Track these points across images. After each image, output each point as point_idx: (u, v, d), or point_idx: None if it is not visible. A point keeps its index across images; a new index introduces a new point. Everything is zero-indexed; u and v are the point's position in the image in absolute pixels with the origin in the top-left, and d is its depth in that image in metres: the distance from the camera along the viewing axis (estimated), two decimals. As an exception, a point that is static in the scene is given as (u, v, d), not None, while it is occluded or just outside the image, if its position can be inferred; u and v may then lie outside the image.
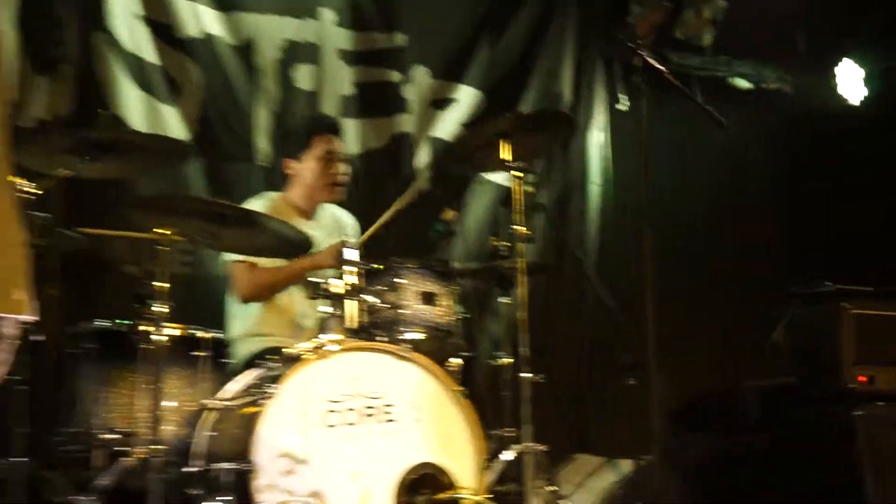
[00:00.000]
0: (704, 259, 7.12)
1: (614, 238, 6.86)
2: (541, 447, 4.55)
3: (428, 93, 6.64)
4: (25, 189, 4.40)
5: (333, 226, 5.44)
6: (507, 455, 4.60)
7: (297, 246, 4.85)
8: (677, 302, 6.25)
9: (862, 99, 7.49)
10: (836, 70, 7.47)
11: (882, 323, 5.69)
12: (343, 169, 5.50)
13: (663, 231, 5.01)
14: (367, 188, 6.05)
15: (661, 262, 4.79)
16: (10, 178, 2.43)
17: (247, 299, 5.26)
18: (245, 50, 6.20)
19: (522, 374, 4.61)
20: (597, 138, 7.05)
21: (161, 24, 5.98)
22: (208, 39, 6.09)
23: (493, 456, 4.58)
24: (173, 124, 5.98)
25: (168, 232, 4.43)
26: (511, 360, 4.88)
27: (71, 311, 4.95)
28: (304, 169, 5.40)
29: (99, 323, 4.80)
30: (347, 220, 5.54)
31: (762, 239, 7.40)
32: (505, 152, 4.77)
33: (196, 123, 6.04)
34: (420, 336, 4.50)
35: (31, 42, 5.72)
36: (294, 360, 4.22)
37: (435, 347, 4.53)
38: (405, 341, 4.43)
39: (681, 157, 6.98)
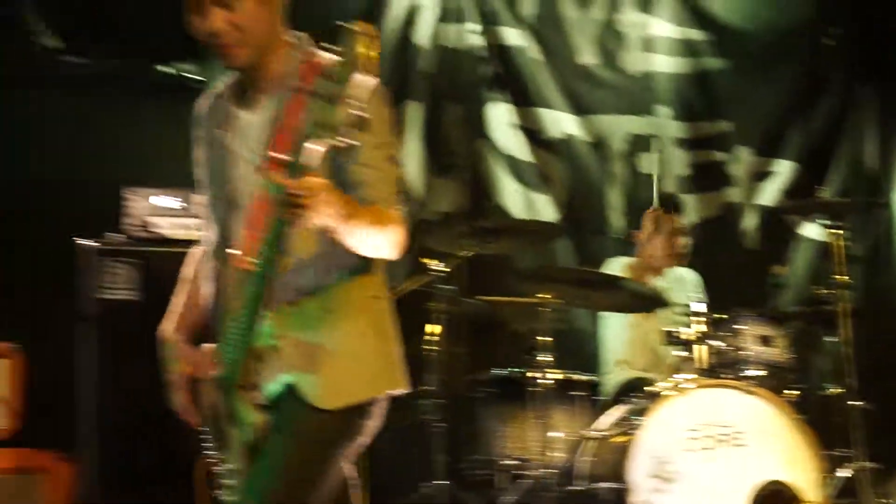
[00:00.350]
0: None
1: None
2: (873, 465, 4.53)
3: (750, 168, 6.49)
4: (437, 268, 4.75)
5: (679, 283, 5.35)
6: (844, 473, 4.53)
7: (653, 301, 4.91)
8: None
9: None
10: None
11: None
12: (683, 241, 5.45)
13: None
14: (705, 251, 5.81)
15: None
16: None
17: None
18: (597, 145, 6.31)
19: (852, 402, 4.59)
20: None
21: (530, 129, 6.21)
22: (568, 139, 6.26)
23: (830, 474, 4.47)
24: (544, 209, 6.18)
25: (547, 296, 4.59)
26: (841, 391, 4.71)
27: (475, 363, 5.13)
28: (651, 240, 5.40)
29: (496, 371, 4.95)
30: (691, 277, 5.42)
31: None
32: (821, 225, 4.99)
33: (562, 207, 6.19)
34: (761, 373, 4.51)
35: (432, 152, 6.16)
36: (656, 396, 4.29)
37: (774, 382, 4.49)
38: (748, 378, 4.44)
39: None
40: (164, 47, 5.74)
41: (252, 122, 2.64)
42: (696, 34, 6.49)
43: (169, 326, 2.74)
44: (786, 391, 4.52)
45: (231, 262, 2.56)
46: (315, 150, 2.23)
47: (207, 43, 2.58)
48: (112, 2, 5.76)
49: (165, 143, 4.65)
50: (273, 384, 2.50)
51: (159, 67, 5.83)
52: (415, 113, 6.10)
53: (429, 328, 4.75)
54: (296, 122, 2.39)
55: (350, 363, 2.51)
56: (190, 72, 5.82)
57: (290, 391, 2.49)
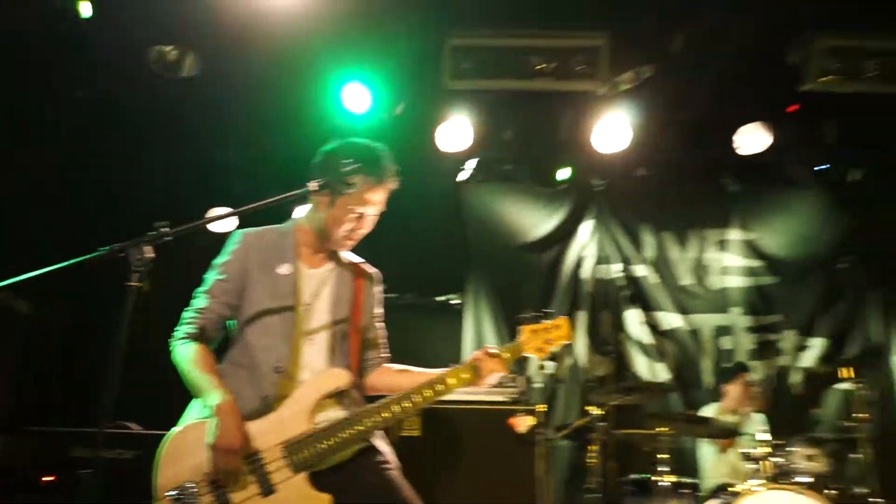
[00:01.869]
0: None
1: None
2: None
3: (795, 342, 6.27)
4: (596, 412, 4.46)
5: (751, 421, 5.15)
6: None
7: (731, 433, 4.77)
8: None
9: None
10: None
11: None
12: (753, 393, 5.28)
13: None
14: (768, 394, 5.69)
15: None
16: None
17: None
18: (694, 332, 6.20)
19: (874, 499, 4.31)
20: None
21: (652, 324, 6.15)
22: (676, 329, 6.20)
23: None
24: (662, 374, 6.07)
25: (665, 429, 4.49)
26: (866, 490, 4.36)
27: (620, 471, 4.63)
28: (732, 392, 5.33)
29: (634, 476, 4.57)
30: (759, 417, 5.26)
31: None
32: (846, 373, 4.76)
33: (674, 371, 6.09)
34: (808, 480, 4.33)
35: (593, 340, 5.92)
36: (737, 495, 4.12)
37: (818, 486, 4.28)
38: (800, 483, 4.27)
39: None
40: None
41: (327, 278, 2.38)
42: (755, 262, 6.40)
43: (232, 405, 2.20)
44: (825, 491, 4.28)
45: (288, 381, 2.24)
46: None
47: (346, 238, 2.34)
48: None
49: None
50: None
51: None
52: (582, 318, 6.14)
53: (590, 448, 4.59)
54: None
55: None
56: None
57: None
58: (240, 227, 2.47)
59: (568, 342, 2.39)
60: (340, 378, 2.26)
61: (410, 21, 4.49)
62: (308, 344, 2.32)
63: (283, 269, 2.35)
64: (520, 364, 5.77)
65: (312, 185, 2.33)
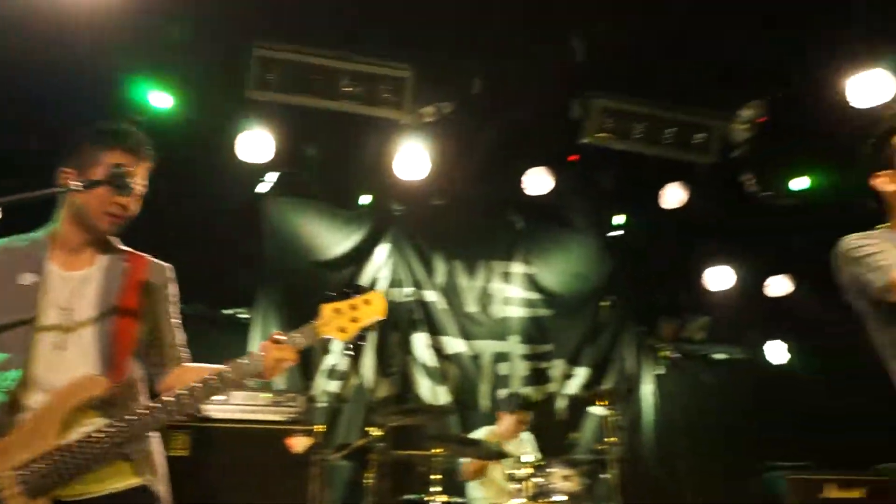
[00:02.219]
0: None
1: (659, 442, 6.52)
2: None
3: (562, 371, 6.54)
4: (376, 432, 4.40)
5: (520, 442, 5.26)
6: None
7: (500, 454, 4.80)
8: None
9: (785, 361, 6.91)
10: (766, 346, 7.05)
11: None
12: (524, 417, 5.26)
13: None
14: (537, 418, 5.62)
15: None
16: None
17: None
18: (476, 357, 6.31)
19: None
20: (649, 388, 6.75)
21: (437, 348, 6.19)
22: (459, 354, 6.29)
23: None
24: (443, 396, 6.09)
25: (440, 450, 4.46)
26: None
27: (395, 490, 4.60)
28: (506, 421, 5.27)
29: (407, 497, 4.50)
30: (528, 437, 5.34)
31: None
32: (600, 402, 4.96)
33: (454, 394, 6.13)
34: (564, 498, 4.43)
35: (380, 361, 5.87)
36: None
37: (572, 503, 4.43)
38: (556, 501, 4.40)
39: (689, 396, 6.74)
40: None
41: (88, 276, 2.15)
42: (534, 295, 6.69)
43: None
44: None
45: None
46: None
47: (106, 213, 2.11)
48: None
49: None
50: None
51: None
52: (372, 339, 6.11)
53: (368, 469, 4.49)
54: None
55: None
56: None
57: None
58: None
59: (381, 318, 2.12)
60: (94, 384, 2.00)
61: (217, 27, 4.36)
62: (58, 353, 2.06)
63: (27, 279, 2.12)
64: (306, 372, 5.66)
65: (62, 172, 2.16)
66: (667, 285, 6.76)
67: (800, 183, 5.94)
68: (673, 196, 6.13)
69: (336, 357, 5.96)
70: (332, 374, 5.92)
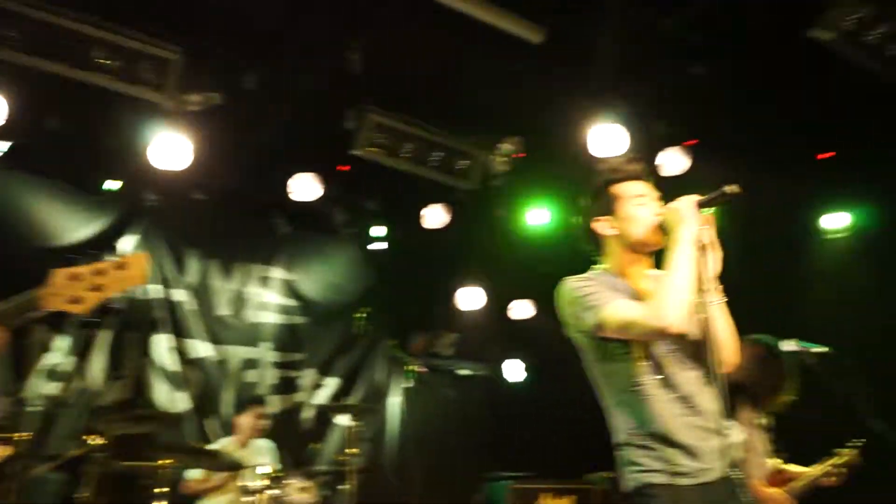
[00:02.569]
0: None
1: (400, 453, 6.59)
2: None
3: (312, 380, 6.53)
4: (97, 441, 4.02)
5: (259, 451, 5.16)
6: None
7: (235, 465, 4.61)
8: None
9: (522, 379, 7.28)
10: (504, 365, 7.30)
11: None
12: (264, 424, 5.28)
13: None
14: (282, 428, 5.79)
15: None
16: None
17: None
18: (222, 362, 6.11)
19: None
20: (396, 400, 6.83)
21: (180, 350, 5.92)
22: (204, 358, 6.05)
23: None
24: (182, 403, 5.81)
25: (168, 461, 4.30)
26: None
27: None
28: (244, 424, 5.23)
29: None
30: (269, 446, 5.27)
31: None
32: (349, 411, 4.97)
33: (195, 401, 5.88)
34: None
35: (113, 362, 5.50)
36: None
37: None
38: None
39: (433, 409, 6.88)
40: None
41: None
42: (291, 302, 6.58)
43: None
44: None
45: None
46: None
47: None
48: None
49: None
50: None
51: None
52: (105, 337, 5.64)
53: (84, 482, 4.12)
54: None
55: None
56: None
57: None
58: None
59: (141, 284, 1.85)
60: None
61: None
62: None
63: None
64: (18, 370, 5.02)
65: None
66: (421, 301, 6.85)
67: (540, 216, 6.27)
68: (434, 217, 6.24)
69: (59, 356, 5.42)
70: (53, 374, 5.38)
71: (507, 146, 5.75)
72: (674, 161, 5.53)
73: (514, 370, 7.42)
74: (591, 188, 2.39)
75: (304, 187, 5.81)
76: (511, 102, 4.99)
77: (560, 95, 4.90)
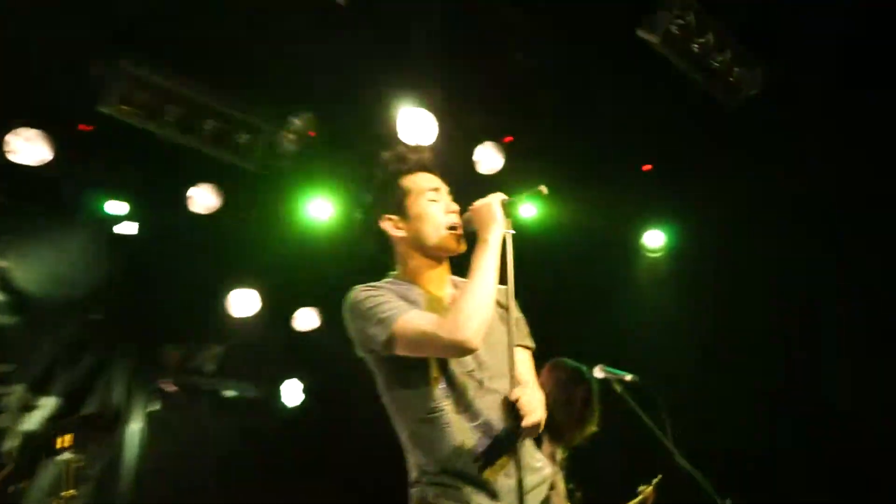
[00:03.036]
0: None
1: (140, 493, 6.37)
2: None
3: (22, 400, 6.03)
4: None
5: None
6: None
7: None
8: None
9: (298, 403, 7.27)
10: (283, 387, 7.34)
11: None
12: None
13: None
14: None
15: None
16: None
17: None
18: None
19: None
20: (137, 427, 6.58)
21: None
22: None
23: None
24: None
25: None
26: None
27: None
28: None
29: None
30: None
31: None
32: (63, 442, 4.91)
33: None
34: None
35: None
36: None
37: None
38: None
39: (189, 438, 6.72)
40: None
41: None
42: None
43: None
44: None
45: None
46: None
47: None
48: None
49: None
50: None
51: None
52: None
53: None
54: None
55: None
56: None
57: None
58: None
59: None
60: None
61: None
62: None
63: None
64: None
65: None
66: (178, 303, 6.58)
67: (324, 209, 6.30)
68: (203, 199, 6.04)
69: None
70: None
71: (299, 122, 5.73)
72: (487, 158, 5.82)
73: (292, 392, 7.39)
74: (376, 180, 2.49)
75: (28, 149, 5.32)
76: (308, 72, 4.98)
77: (366, 71, 4.96)
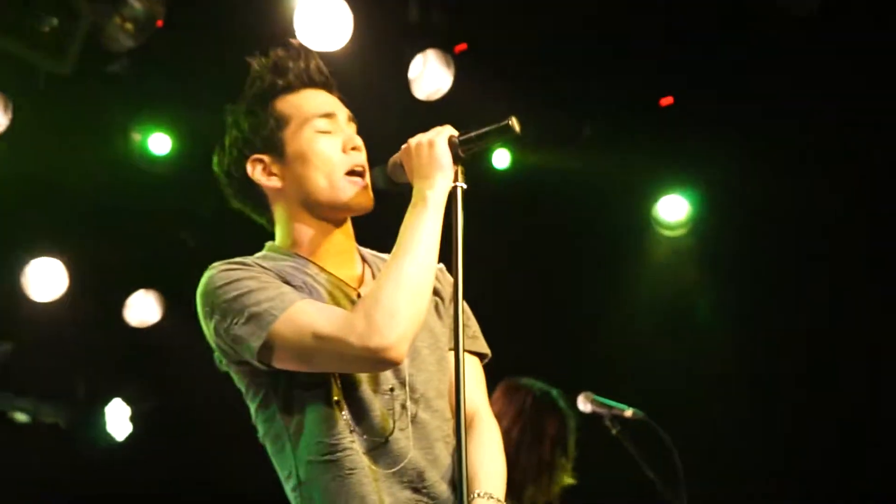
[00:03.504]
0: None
1: None
2: None
3: None
4: None
5: None
6: None
7: None
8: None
9: (127, 435, 7.42)
10: (107, 409, 7.32)
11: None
12: None
13: None
14: None
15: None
16: None
17: None
18: None
19: None
20: None
21: None
22: None
23: None
24: None
25: None
26: None
27: None
28: None
29: None
30: None
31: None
32: None
33: None
34: None
35: None
36: None
37: None
38: None
39: None
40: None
41: None
42: None
43: None
44: None
45: None
46: None
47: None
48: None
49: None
50: None
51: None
52: None
53: None
54: None
55: None
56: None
57: None
58: None
59: None
60: None
61: None
62: None
63: None
64: None
65: None
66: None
67: (161, 143, 6.27)
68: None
69: None
70: None
71: (140, 5, 5.65)
72: (429, 74, 5.79)
73: (118, 419, 7.27)
74: (241, 102, 2.50)
75: None
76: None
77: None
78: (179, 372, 6.78)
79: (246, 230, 2.61)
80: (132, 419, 7.45)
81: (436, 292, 2.43)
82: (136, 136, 6.32)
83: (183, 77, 6.01)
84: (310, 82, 2.50)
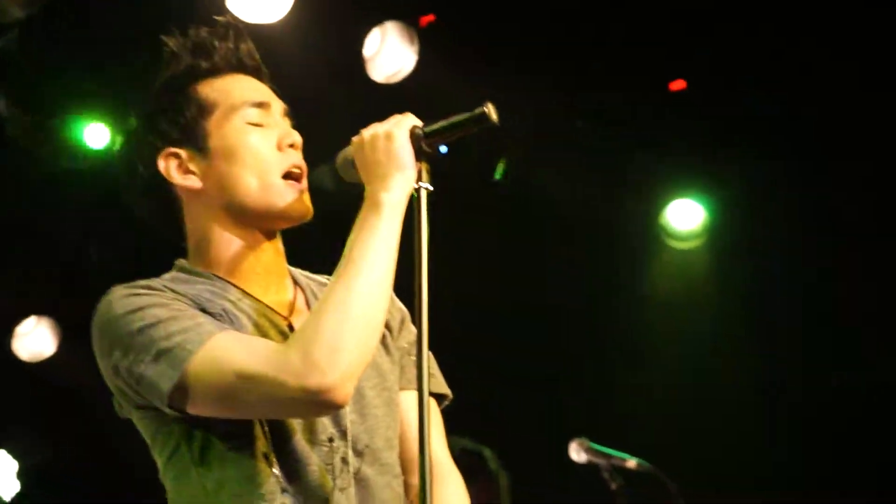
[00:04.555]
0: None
1: None
2: None
3: None
4: None
5: None
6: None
7: None
8: None
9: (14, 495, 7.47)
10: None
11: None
12: None
13: None
14: None
15: None
16: None
17: None
18: None
19: None
20: None
21: None
22: None
23: None
24: None
25: None
26: None
27: None
28: None
29: None
30: None
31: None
32: None
33: None
34: None
35: None
36: None
37: None
38: None
39: None
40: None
41: None
42: None
43: None
44: None
45: None
46: None
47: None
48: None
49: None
50: None
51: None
52: None
53: None
54: None
55: None
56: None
57: None
58: None
59: None
60: None
61: None
62: None
63: None
64: None
65: None
66: None
67: (95, 135, 6.42)
68: None
69: None
70: None
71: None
72: (388, 52, 5.82)
73: (2, 473, 7.43)
74: (155, 86, 2.52)
75: None
76: None
77: None
78: (79, 417, 6.77)
79: (162, 243, 2.56)
80: (19, 475, 7.54)
81: (386, 325, 2.39)
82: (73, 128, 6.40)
83: (84, 53, 6.12)
84: (239, 66, 2.51)
